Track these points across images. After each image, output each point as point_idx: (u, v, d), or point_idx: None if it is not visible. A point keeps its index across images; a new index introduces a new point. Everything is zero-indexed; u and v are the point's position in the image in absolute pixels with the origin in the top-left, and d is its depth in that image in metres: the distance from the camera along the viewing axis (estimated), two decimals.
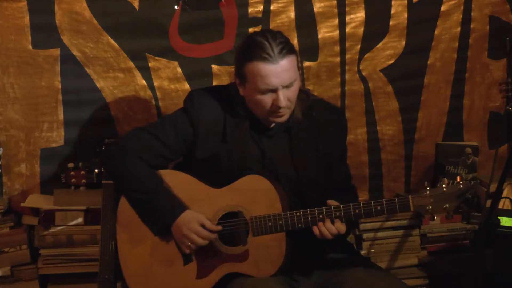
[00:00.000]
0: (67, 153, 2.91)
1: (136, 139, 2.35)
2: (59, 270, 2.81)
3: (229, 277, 2.26)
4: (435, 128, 3.16)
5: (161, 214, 2.26)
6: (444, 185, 2.14)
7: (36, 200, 2.85)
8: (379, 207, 2.17)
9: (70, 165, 2.78)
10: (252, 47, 2.18)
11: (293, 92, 2.23)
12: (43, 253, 2.81)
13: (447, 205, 2.13)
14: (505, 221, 2.61)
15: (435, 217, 2.19)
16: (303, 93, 2.35)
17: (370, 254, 2.97)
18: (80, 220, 2.80)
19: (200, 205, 2.28)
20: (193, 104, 2.34)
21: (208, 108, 2.33)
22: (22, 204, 2.82)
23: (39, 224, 2.81)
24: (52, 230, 2.78)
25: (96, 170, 2.72)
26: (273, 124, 2.32)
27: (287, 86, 2.20)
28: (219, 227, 2.25)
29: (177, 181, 2.32)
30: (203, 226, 2.23)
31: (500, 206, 2.81)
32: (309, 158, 2.35)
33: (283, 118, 2.27)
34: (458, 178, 2.14)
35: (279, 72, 2.17)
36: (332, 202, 2.21)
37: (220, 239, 2.26)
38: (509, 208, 2.85)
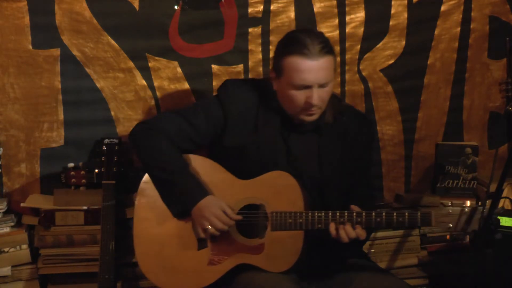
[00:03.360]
0: (67, 153, 2.91)
1: (168, 121, 2.39)
2: (59, 270, 2.81)
3: (239, 269, 2.27)
4: (435, 128, 3.16)
5: (184, 195, 2.28)
6: (466, 207, 2.17)
7: (36, 200, 2.85)
8: (400, 219, 2.19)
9: (70, 165, 2.79)
10: (293, 42, 2.23)
11: (326, 92, 2.26)
12: (43, 253, 2.80)
13: (466, 226, 2.16)
14: (505, 221, 2.61)
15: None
16: (335, 98, 2.39)
17: (370, 254, 2.97)
18: (80, 220, 2.79)
19: (223, 193, 2.30)
20: (227, 92, 2.37)
21: (241, 98, 2.36)
22: (22, 204, 2.81)
23: (39, 224, 2.81)
24: (52, 230, 2.79)
25: (96, 170, 2.73)
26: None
27: (321, 86, 2.22)
28: (239, 217, 2.26)
29: (203, 166, 2.35)
30: (224, 212, 2.25)
31: (500, 206, 2.80)
32: (335, 161, 2.38)
33: (313, 117, 2.29)
34: (480, 203, 2.18)
35: (316, 69, 2.20)
36: (355, 208, 2.23)
37: (237, 229, 2.26)
38: (509, 208, 2.85)
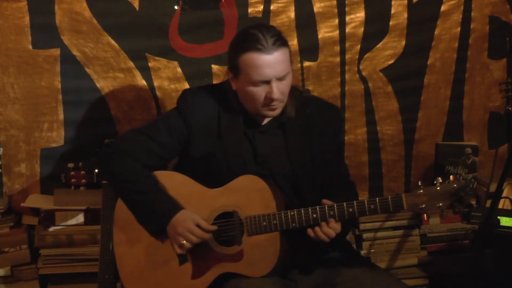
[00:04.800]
0: (67, 153, 2.91)
1: (131, 140, 2.35)
2: (59, 270, 2.82)
3: (224, 277, 2.26)
4: (435, 128, 3.16)
5: (157, 214, 2.26)
6: (438, 184, 2.14)
7: (36, 200, 2.85)
8: (372, 206, 2.17)
9: (70, 165, 2.78)
10: (246, 39, 2.20)
11: (285, 85, 2.24)
12: (43, 253, 2.81)
13: (440, 203, 2.13)
14: (505, 221, 2.61)
15: (431, 216, 2.19)
16: (296, 91, 2.36)
17: (370, 254, 2.97)
18: (80, 220, 2.80)
19: (196, 206, 2.27)
20: (186, 102, 2.34)
21: (201, 106, 2.33)
22: (22, 204, 2.82)
23: (39, 224, 2.81)
24: (52, 230, 2.79)
25: (96, 170, 2.73)
26: (266, 121, 2.32)
27: (280, 79, 2.20)
28: (215, 227, 2.24)
29: (173, 182, 2.32)
30: (198, 226, 2.23)
31: (500, 206, 2.81)
32: (305, 155, 2.35)
33: (276, 112, 2.27)
34: (451, 177, 2.14)
35: (273, 63, 2.17)
36: (327, 202, 2.21)
37: (215, 239, 2.26)
38: (509, 208, 2.86)
